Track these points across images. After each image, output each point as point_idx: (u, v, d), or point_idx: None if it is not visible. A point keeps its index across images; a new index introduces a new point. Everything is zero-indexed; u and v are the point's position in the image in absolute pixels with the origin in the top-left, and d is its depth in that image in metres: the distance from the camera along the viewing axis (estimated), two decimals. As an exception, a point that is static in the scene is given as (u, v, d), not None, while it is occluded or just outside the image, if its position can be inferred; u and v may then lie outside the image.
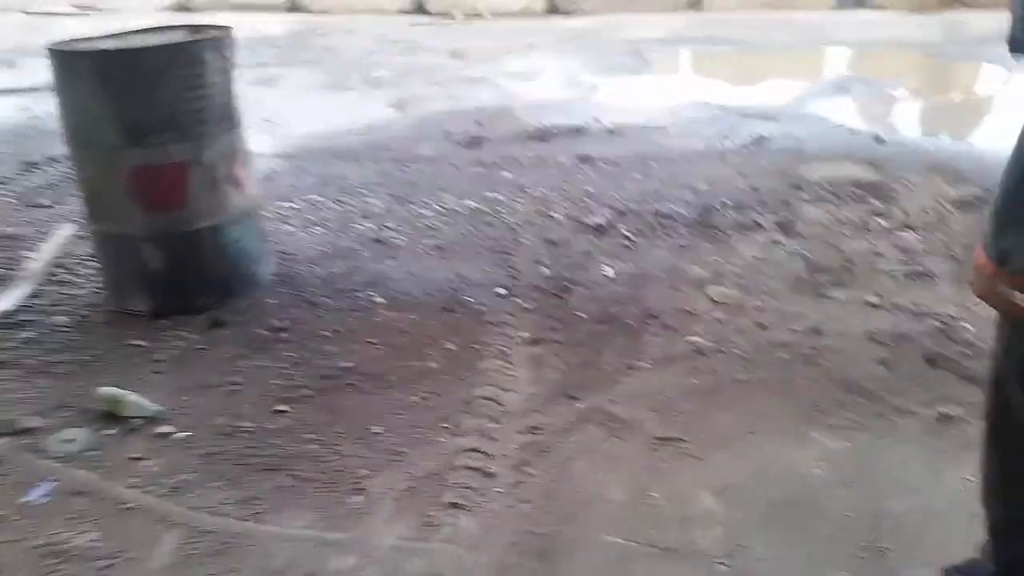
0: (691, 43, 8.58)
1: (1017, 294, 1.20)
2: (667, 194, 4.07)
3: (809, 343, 2.67)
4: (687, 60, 8.17)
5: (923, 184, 4.19)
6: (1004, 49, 1.45)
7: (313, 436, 2.28)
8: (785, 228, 3.63)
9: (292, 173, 4.54)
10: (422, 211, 3.93)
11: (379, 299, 3.03)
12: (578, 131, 5.29)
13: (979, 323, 2.72)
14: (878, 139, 5.02)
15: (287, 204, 4.01)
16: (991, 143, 5.10)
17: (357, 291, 3.09)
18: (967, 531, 1.82)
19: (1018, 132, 1.23)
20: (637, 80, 7.14)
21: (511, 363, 2.62)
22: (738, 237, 3.56)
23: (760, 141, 5.02)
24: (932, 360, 2.54)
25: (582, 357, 2.65)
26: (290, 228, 3.72)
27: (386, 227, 3.73)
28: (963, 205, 3.86)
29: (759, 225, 3.66)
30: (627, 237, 3.54)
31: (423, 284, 3.15)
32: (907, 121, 5.98)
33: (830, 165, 4.57)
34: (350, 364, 2.60)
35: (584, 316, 2.89)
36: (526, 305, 2.97)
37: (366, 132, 5.46)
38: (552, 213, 3.84)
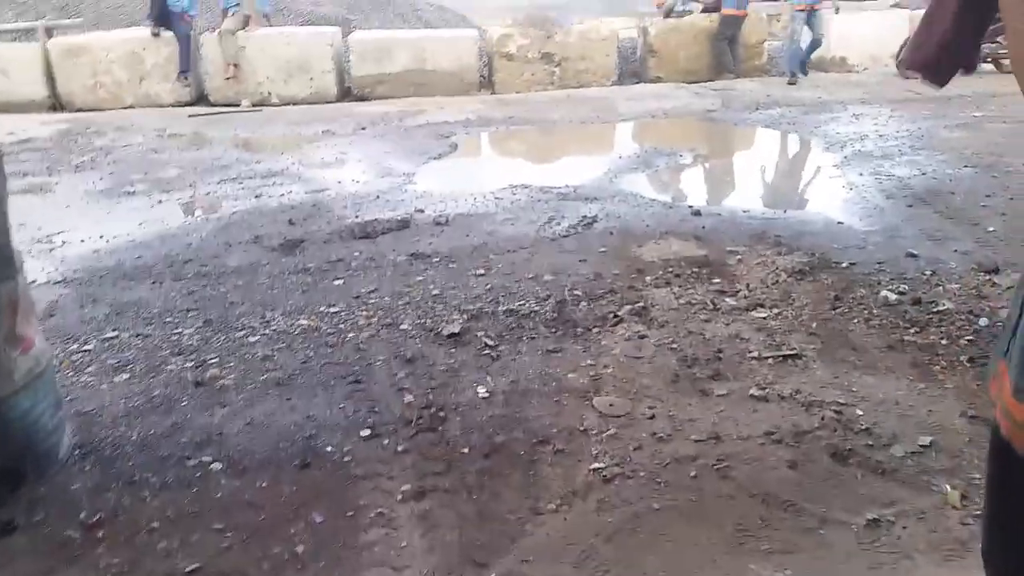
0: (493, 124, 8.61)
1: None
2: (515, 289, 3.85)
3: (714, 453, 2.48)
4: (493, 141, 8.18)
5: (751, 255, 4.28)
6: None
7: None
8: (643, 317, 3.51)
9: (78, 303, 3.82)
10: (248, 338, 3.40)
11: (216, 464, 2.47)
12: (403, 224, 4.99)
13: (869, 408, 2.69)
14: (695, 212, 5.15)
15: (78, 346, 3.33)
16: (797, 208, 5.41)
17: (186, 457, 2.52)
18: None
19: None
20: (450, 165, 6.99)
21: (396, 529, 2.19)
22: (601, 332, 3.38)
23: (587, 223, 4.98)
24: (839, 456, 2.44)
25: (477, 506, 2.28)
26: (87, 379, 3.04)
27: (207, 363, 3.16)
28: (797, 274, 3.96)
29: (617, 316, 3.51)
30: (488, 345, 3.24)
31: (267, 436, 2.63)
32: (714, 191, 6.25)
33: (660, 244, 4.59)
34: (195, 565, 2.05)
35: (467, 451, 2.53)
36: (398, 446, 2.56)
37: (161, 243, 4.80)
38: (400, 324, 3.47)
